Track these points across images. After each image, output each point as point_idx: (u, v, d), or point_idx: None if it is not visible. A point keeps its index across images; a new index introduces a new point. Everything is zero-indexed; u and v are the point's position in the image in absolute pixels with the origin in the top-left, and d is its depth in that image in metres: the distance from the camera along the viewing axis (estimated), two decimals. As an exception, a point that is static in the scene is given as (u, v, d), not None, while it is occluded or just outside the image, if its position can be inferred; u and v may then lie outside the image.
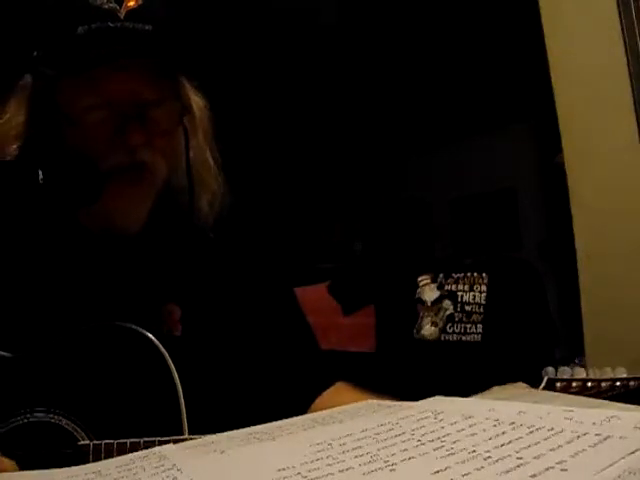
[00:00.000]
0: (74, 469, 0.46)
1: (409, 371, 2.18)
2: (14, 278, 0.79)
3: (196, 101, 0.88)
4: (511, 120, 4.17)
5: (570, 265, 1.57)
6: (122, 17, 0.75)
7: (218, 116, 0.91)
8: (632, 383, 0.77)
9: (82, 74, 0.75)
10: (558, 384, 0.77)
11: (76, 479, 0.43)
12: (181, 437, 0.60)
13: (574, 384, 0.77)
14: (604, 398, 0.75)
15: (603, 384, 0.77)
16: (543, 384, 0.77)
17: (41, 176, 0.70)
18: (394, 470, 0.37)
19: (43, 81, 0.79)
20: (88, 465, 0.47)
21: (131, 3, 0.76)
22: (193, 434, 0.61)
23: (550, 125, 1.62)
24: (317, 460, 0.39)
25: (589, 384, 0.77)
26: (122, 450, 0.59)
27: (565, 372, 0.79)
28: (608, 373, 0.78)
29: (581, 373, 0.79)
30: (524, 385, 0.74)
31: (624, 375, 0.78)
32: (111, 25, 0.74)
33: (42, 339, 0.72)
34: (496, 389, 0.75)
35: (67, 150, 0.77)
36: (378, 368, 2.25)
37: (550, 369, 0.79)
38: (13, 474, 0.49)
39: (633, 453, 0.35)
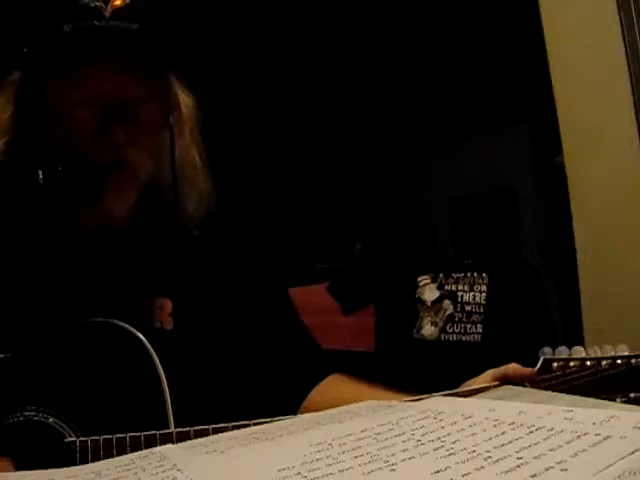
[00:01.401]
0: (73, 469, 0.46)
1: (409, 371, 2.18)
2: (4, 277, 0.79)
3: (184, 99, 0.88)
4: (511, 120, 4.17)
5: (570, 265, 1.57)
6: (108, 16, 0.76)
7: (212, 114, 0.92)
8: (634, 361, 0.75)
9: (68, 71, 0.76)
10: (555, 364, 0.75)
11: (76, 479, 0.43)
12: (166, 431, 0.60)
13: (572, 364, 0.75)
14: (604, 377, 0.74)
15: (604, 362, 0.74)
16: (539, 365, 0.75)
17: (41, 176, 0.71)
18: (394, 470, 0.37)
19: (30, 77, 0.80)
20: (88, 465, 0.47)
21: (117, 2, 0.77)
22: (184, 428, 0.61)
23: (550, 125, 1.62)
24: (317, 460, 0.39)
25: (588, 363, 0.75)
26: (108, 446, 0.59)
27: (562, 352, 0.76)
28: (609, 351, 0.76)
29: (580, 353, 0.76)
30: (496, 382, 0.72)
31: (626, 353, 0.75)
32: (97, 24, 0.75)
33: (29, 338, 0.72)
34: (468, 383, 0.74)
35: (53, 147, 0.78)
36: (378, 368, 2.25)
37: (547, 349, 0.76)
38: (11, 474, 0.49)
39: (633, 453, 0.35)
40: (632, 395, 0.72)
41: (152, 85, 0.81)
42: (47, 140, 0.78)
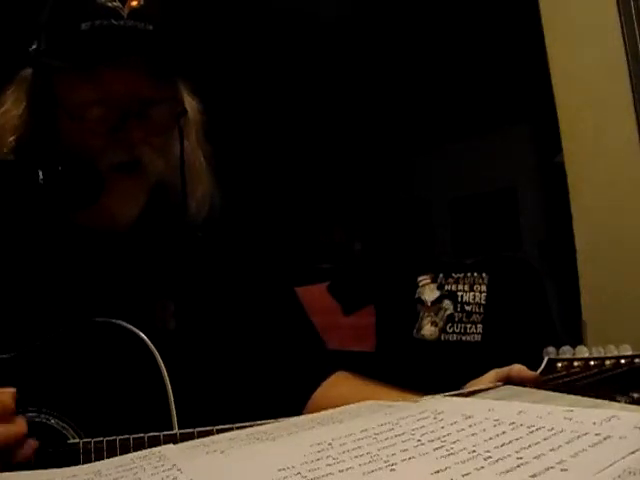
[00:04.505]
0: (74, 469, 0.46)
1: (409, 371, 2.18)
2: (5, 277, 0.79)
3: (190, 102, 0.88)
4: (511, 120, 4.17)
5: (570, 265, 1.57)
6: (125, 16, 0.76)
7: (213, 116, 0.92)
8: (637, 360, 0.75)
9: (84, 69, 0.75)
10: (559, 364, 0.75)
11: (76, 479, 0.43)
12: (170, 432, 0.60)
13: (576, 364, 0.75)
14: (608, 377, 0.74)
15: (607, 362, 0.75)
16: (543, 365, 0.75)
17: (41, 176, 0.70)
18: (394, 470, 0.37)
19: (43, 74, 0.79)
20: (88, 465, 0.47)
21: (134, 2, 0.76)
22: (188, 429, 0.60)
23: (550, 125, 1.62)
24: (317, 460, 0.39)
25: (592, 363, 0.75)
26: (112, 448, 0.59)
27: (567, 352, 0.77)
28: (612, 351, 0.76)
29: (583, 352, 0.76)
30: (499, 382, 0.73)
31: (629, 352, 0.76)
32: (115, 23, 0.75)
33: (30, 339, 0.72)
34: (471, 383, 0.75)
35: (64, 145, 0.77)
36: (378, 368, 2.25)
37: (551, 349, 0.77)
38: (12, 474, 0.49)
39: (633, 453, 0.35)
40: (636, 395, 0.73)
41: (163, 86, 0.81)
42: (58, 138, 0.78)
